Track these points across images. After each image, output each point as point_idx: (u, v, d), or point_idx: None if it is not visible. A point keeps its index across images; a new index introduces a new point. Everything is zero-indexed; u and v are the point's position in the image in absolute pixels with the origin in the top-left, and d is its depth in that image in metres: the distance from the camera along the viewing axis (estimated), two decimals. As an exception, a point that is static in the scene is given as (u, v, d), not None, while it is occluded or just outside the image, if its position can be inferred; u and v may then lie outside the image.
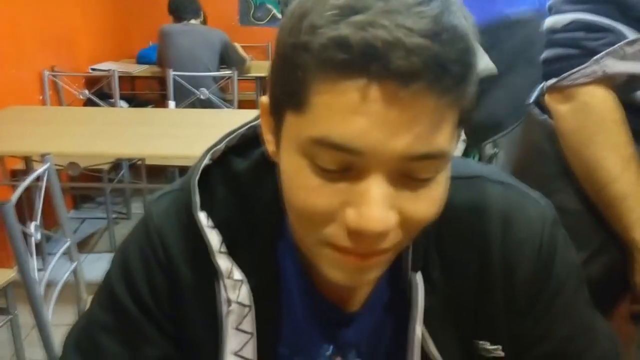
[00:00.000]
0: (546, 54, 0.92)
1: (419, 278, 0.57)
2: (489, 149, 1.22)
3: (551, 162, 0.98)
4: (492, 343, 0.59)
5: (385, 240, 0.46)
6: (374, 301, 0.60)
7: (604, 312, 0.98)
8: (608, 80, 0.86)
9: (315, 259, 0.50)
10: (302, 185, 0.45)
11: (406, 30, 0.39)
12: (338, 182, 0.44)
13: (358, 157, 0.42)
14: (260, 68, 4.14)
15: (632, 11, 0.84)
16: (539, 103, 1.01)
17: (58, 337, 1.40)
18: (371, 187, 0.43)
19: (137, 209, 3.44)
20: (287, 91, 0.45)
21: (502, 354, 0.59)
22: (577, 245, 0.96)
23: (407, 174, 0.44)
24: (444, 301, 0.58)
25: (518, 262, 0.57)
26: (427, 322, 0.57)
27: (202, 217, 0.56)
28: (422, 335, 0.57)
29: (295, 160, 0.46)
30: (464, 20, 0.43)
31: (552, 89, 0.92)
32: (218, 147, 0.59)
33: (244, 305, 0.57)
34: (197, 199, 0.57)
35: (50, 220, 2.21)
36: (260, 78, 4.09)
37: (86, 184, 3.19)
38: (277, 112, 0.48)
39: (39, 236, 1.41)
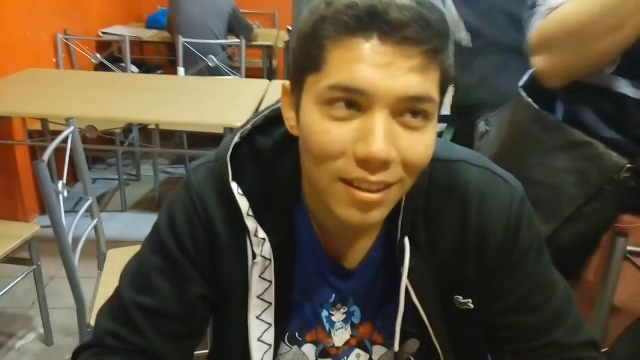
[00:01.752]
0: (530, 27, 1.01)
1: (407, 241, 0.69)
2: (481, 127, 1.30)
3: (535, 143, 1.08)
4: (464, 297, 0.72)
5: (388, 172, 0.57)
6: (370, 259, 0.73)
7: (574, 270, 1.10)
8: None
9: (329, 200, 0.60)
10: (320, 129, 0.57)
11: None
12: (349, 124, 0.56)
13: (364, 96, 0.55)
14: (268, 36, 4.18)
15: None
16: (527, 87, 1.10)
17: (83, 286, 1.53)
18: (376, 123, 0.55)
19: (146, 171, 3.55)
20: (308, 58, 0.58)
21: (471, 306, 0.72)
22: (551, 215, 1.08)
23: (406, 117, 0.56)
24: (427, 262, 0.70)
25: (490, 232, 0.69)
26: (411, 278, 0.70)
27: (234, 186, 0.69)
28: (407, 288, 0.70)
29: (314, 111, 0.58)
30: (438, 3, 0.58)
31: (532, 45, 1.00)
32: (246, 127, 0.72)
33: (266, 259, 0.69)
34: (230, 171, 0.69)
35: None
36: (268, 46, 4.13)
37: (100, 147, 3.29)
38: (299, 81, 0.61)
39: (66, 193, 1.52)
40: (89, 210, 1.76)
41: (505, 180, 0.71)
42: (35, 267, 1.97)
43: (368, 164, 0.56)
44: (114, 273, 1.78)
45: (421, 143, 0.58)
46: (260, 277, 0.70)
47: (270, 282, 0.70)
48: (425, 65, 0.55)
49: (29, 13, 2.94)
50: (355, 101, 0.56)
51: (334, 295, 0.75)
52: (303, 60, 0.59)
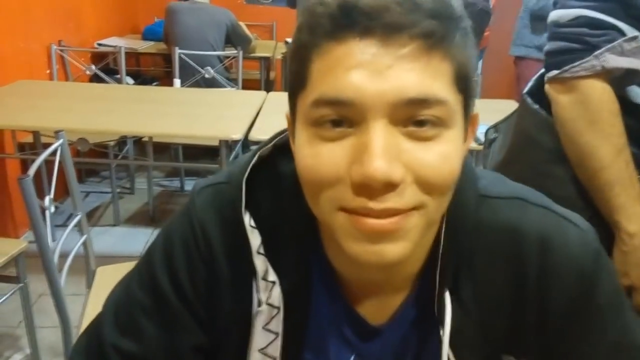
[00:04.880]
0: (550, 46, 0.98)
1: (447, 297, 0.56)
2: (490, 134, 1.27)
3: (541, 150, 1.04)
4: (517, 358, 0.59)
5: (398, 196, 0.46)
6: (401, 317, 0.60)
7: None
8: (606, 74, 0.93)
9: (336, 234, 0.50)
10: (310, 153, 0.48)
11: None
12: (341, 143, 0.47)
13: (352, 107, 0.45)
14: (265, 47, 4.15)
15: (633, 10, 0.90)
16: (533, 93, 1.07)
17: (69, 304, 1.47)
18: (371, 138, 0.45)
19: (140, 184, 3.49)
20: (295, 75, 0.50)
21: None
22: None
23: (411, 127, 0.46)
24: (472, 320, 0.57)
25: (556, 287, 0.56)
26: (453, 344, 0.56)
27: (246, 218, 0.58)
28: (448, 357, 0.57)
29: (303, 133, 0.49)
30: None
31: (553, 80, 0.98)
32: (266, 147, 0.61)
33: (273, 307, 0.58)
34: (243, 199, 0.58)
35: (56, 193, 2.27)
36: (265, 58, 4.10)
37: (92, 160, 3.23)
38: (292, 104, 0.53)
39: (53, 209, 1.47)
40: (79, 225, 1.70)
41: (573, 223, 0.58)
42: (22, 284, 1.90)
43: (368, 188, 0.45)
44: (103, 291, 1.71)
45: (436, 155, 0.47)
46: (264, 328, 0.59)
47: (277, 334, 0.59)
48: (422, 54, 0.45)
49: (22, 23, 2.90)
50: (343, 116, 0.46)
51: (352, 357, 0.62)
52: (292, 80, 0.51)
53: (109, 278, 1.73)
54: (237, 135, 2.16)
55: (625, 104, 0.97)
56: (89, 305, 1.61)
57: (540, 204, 0.59)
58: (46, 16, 3.17)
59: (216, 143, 2.31)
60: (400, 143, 0.46)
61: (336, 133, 0.47)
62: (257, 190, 0.59)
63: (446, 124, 0.47)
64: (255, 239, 0.58)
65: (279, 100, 2.64)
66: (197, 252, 0.60)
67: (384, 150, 0.45)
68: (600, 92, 0.93)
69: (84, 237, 1.73)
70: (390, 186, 0.45)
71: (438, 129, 0.47)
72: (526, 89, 1.09)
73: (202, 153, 3.41)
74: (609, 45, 0.90)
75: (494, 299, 0.57)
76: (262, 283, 0.58)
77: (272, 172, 0.60)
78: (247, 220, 0.58)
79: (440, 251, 0.56)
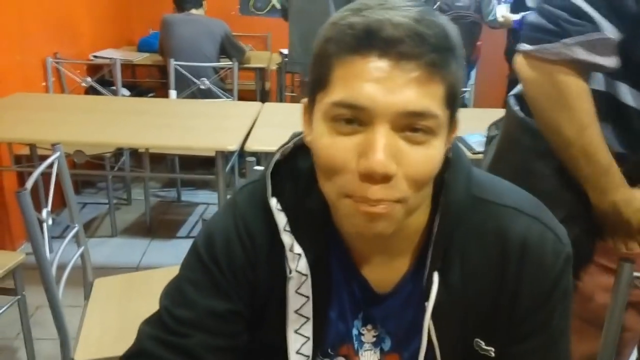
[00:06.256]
0: (531, 18, 1.02)
1: (435, 277, 0.69)
2: (492, 130, 1.29)
3: (521, 149, 1.10)
4: (487, 344, 0.72)
5: (390, 188, 0.59)
6: (400, 288, 0.74)
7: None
8: (573, 64, 0.96)
9: (340, 215, 0.65)
10: (325, 144, 0.61)
11: (394, 13, 0.58)
12: (353, 139, 0.59)
13: (364, 112, 0.58)
14: (260, 58, 4.17)
15: (620, 8, 0.91)
16: (517, 96, 1.11)
17: (67, 316, 1.47)
18: (377, 138, 0.57)
19: (137, 195, 3.50)
20: (318, 78, 0.62)
21: (492, 355, 0.72)
22: None
23: (408, 132, 0.58)
24: (456, 301, 0.70)
25: (527, 283, 0.69)
26: (435, 315, 0.69)
27: (273, 202, 0.72)
28: (429, 328, 0.70)
29: (321, 126, 0.61)
30: (446, 23, 0.60)
31: (524, 54, 1.01)
32: (287, 145, 0.74)
33: (301, 274, 0.71)
34: (269, 187, 0.72)
35: (52, 205, 2.27)
36: (260, 69, 4.13)
37: (89, 171, 3.24)
38: (311, 98, 0.64)
39: (50, 221, 1.48)
40: (76, 237, 1.71)
41: (555, 234, 0.70)
42: (19, 297, 1.90)
43: (369, 177, 0.58)
44: (100, 302, 1.74)
45: (423, 157, 0.59)
46: (296, 292, 0.72)
47: (308, 297, 0.72)
48: (425, 80, 0.57)
49: (17, 36, 2.92)
50: (356, 117, 0.58)
51: (361, 314, 0.76)
52: (314, 79, 0.63)
53: (106, 289, 1.74)
54: (233, 146, 2.17)
55: (613, 102, 1.00)
56: (87, 316, 1.62)
57: (532, 213, 0.70)
58: (41, 29, 3.18)
59: (212, 154, 2.33)
60: (397, 144, 0.58)
61: (349, 129, 0.59)
62: (281, 181, 0.73)
63: (435, 133, 0.60)
64: (281, 219, 0.71)
65: (275, 110, 2.67)
66: (238, 239, 0.73)
67: (385, 149, 0.57)
68: (564, 75, 0.96)
69: (82, 248, 1.73)
70: (386, 177, 0.58)
71: (428, 136, 0.59)
72: (512, 92, 1.14)
73: (198, 163, 3.42)
74: (579, 38, 0.92)
75: (478, 287, 0.70)
76: (289, 254, 0.71)
77: (292, 167, 0.73)
78: (274, 204, 0.72)
79: (433, 239, 0.69)
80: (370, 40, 0.57)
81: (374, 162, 0.57)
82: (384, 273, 0.73)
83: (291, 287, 0.71)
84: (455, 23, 0.62)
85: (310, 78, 0.65)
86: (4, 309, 1.89)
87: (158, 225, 3.24)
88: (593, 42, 0.92)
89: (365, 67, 0.57)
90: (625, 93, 1.00)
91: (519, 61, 1.02)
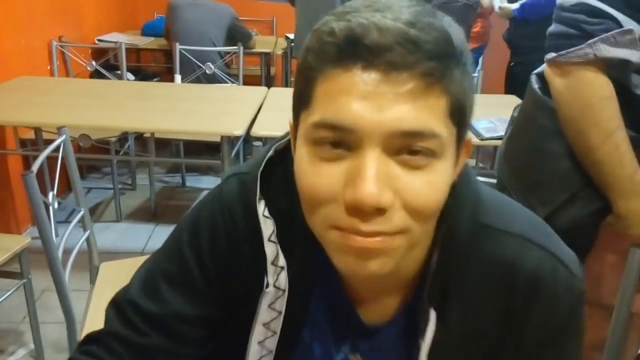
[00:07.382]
0: (552, 28, 1.02)
1: (432, 314, 0.60)
2: (515, 112, 1.30)
3: (536, 127, 1.10)
4: None
5: (386, 220, 0.49)
6: (393, 323, 0.65)
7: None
8: (600, 63, 0.95)
9: (326, 248, 0.54)
10: (308, 170, 0.51)
11: (381, 17, 0.48)
12: (339, 165, 0.50)
13: (350, 133, 0.48)
14: (265, 43, 4.14)
15: (634, 1, 0.92)
16: (539, 75, 1.11)
17: (72, 300, 1.47)
18: (365, 163, 0.48)
19: (142, 180, 3.49)
20: (300, 94, 0.54)
21: None
22: (549, 199, 1.09)
23: (405, 155, 0.49)
24: (455, 340, 0.61)
25: (534, 325, 0.61)
26: (432, 354, 0.61)
27: (260, 207, 0.63)
28: None
29: (303, 150, 0.52)
30: (449, 25, 0.51)
31: (551, 63, 1.02)
32: (282, 141, 0.65)
33: (279, 289, 0.64)
34: (258, 190, 0.63)
35: (57, 189, 2.27)
36: (266, 53, 4.10)
37: (94, 156, 3.23)
38: (295, 117, 0.56)
39: (56, 205, 1.47)
40: (82, 221, 1.70)
41: (566, 267, 0.61)
42: (25, 280, 1.90)
43: (359, 210, 0.48)
44: (106, 287, 1.74)
45: (425, 184, 0.50)
46: (269, 306, 0.65)
47: (280, 312, 0.65)
48: (420, 93, 0.48)
49: (23, 19, 2.89)
50: (342, 140, 0.49)
51: (348, 344, 0.68)
52: (297, 95, 0.55)
53: (112, 274, 1.74)
54: (239, 131, 2.16)
55: (626, 93, 0.99)
56: (93, 300, 1.62)
57: (542, 244, 0.61)
58: (47, 12, 3.16)
59: (217, 139, 2.32)
60: (391, 170, 0.49)
61: (334, 154, 0.50)
62: (273, 182, 0.64)
63: (437, 155, 0.50)
64: (267, 228, 0.63)
65: (280, 95, 2.65)
66: (223, 231, 0.66)
67: (376, 177, 0.48)
68: (592, 79, 0.96)
69: (87, 232, 1.73)
70: (379, 210, 0.49)
71: (429, 159, 0.50)
72: (536, 70, 1.14)
73: (204, 149, 3.41)
74: (603, 36, 0.93)
75: (480, 324, 0.61)
76: (271, 268, 0.63)
77: (286, 166, 0.62)
78: (261, 209, 0.63)
79: (432, 271, 0.60)
80: (353, 49, 0.48)
81: (363, 192, 0.47)
82: (375, 305, 0.65)
83: (265, 302, 0.64)
84: (446, 7, 0.57)
85: (293, 95, 0.56)
86: (10, 292, 1.90)
87: (163, 210, 3.24)
88: (616, 37, 0.93)
89: (349, 81, 0.48)
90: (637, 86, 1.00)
91: (548, 72, 1.03)
